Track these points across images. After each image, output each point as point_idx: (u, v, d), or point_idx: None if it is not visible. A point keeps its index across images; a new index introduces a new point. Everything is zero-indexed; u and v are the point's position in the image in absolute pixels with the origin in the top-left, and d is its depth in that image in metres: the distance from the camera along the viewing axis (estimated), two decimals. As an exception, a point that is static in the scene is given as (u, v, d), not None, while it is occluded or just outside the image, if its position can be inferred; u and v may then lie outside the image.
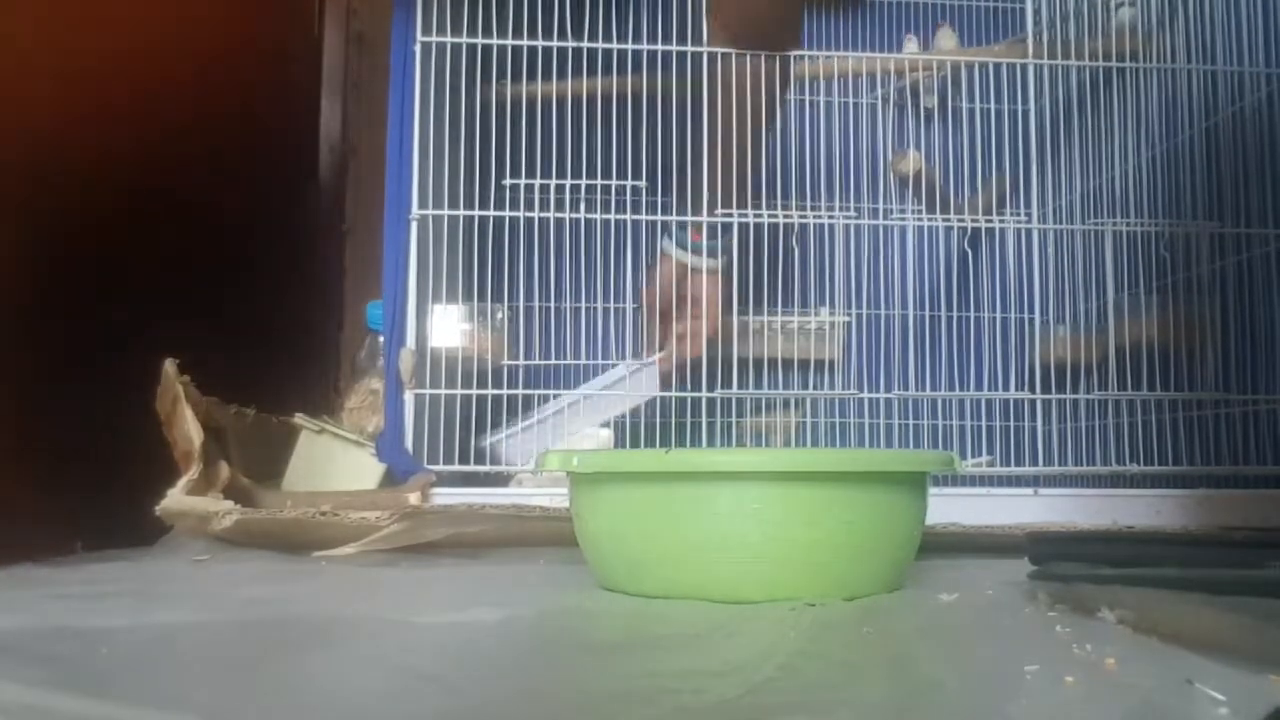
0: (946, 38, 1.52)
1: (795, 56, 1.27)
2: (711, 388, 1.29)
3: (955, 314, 1.49)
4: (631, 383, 1.20)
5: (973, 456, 1.20)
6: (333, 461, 1.20)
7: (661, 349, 1.25)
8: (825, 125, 1.46)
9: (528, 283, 1.40)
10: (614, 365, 1.22)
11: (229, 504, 0.99)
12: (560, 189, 1.22)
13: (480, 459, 1.19)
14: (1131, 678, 0.44)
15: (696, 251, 1.24)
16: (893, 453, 1.14)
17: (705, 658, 0.51)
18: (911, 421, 1.39)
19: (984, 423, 1.41)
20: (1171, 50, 1.31)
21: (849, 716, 0.40)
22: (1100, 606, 0.58)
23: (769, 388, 1.40)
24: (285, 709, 0.42)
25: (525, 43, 1.21)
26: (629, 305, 1.24)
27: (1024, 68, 1.54)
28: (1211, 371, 1.20)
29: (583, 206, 1.21)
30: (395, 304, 1.17)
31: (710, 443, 1.31)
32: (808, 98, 1.47)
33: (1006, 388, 1.29)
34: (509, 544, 0.97)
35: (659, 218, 1.26)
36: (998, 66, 1.52)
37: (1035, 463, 1.19)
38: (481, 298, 1.22)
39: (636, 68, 1.23)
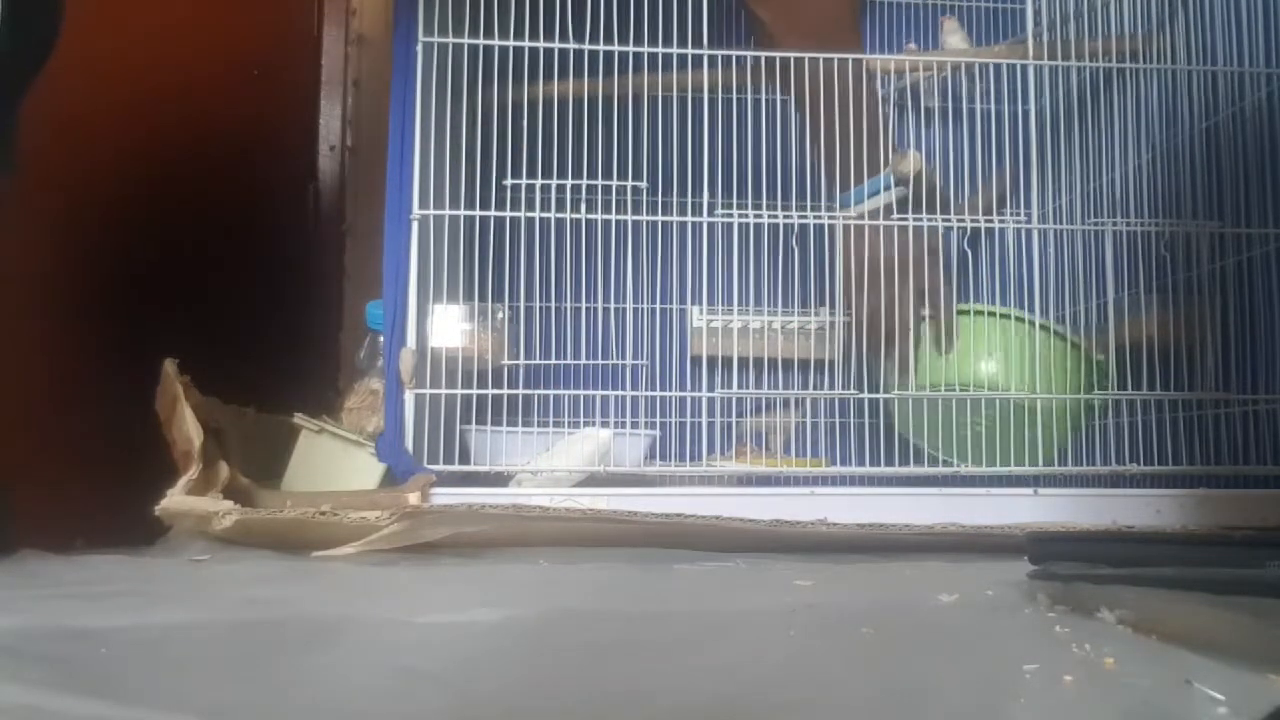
0: (953, 32, 1.51)
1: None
2: (711, 387, 1.29)
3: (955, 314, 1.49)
4: (615, 450, 1.15)
5: (972, 456, 1.20)
6: (333, 461, 1.20)
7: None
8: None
9: (528, 283, 1.40)
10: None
11: (229, 504, 0.99)
12: (560, 189, 1.22)
13: (480, 458, 1.20)
14: (1131, 677, 0.44)
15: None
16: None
17: (704, 657, 0.51)
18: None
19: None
20: (1171, 50, 1.31)
21: (848, 716, 0.40)
22: (1100, 606, 0.58)
23: (769, 388, 1.40)
24: (285, 709, 0.42)
25: (526, 43, 1.21)
26: (629, 305, 1.24)
27: (1024, 68, 1.54)
28: (1211, 371, 1.20)
29: (583, 206, 1.21)
30: (395, 304, 1.16)
31: (710, 442, 1.31)
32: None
33: (1007, 387, 1.29)
34: (509, 544, 0.97)
35: (659, 218, 1.26)
36: (998, 67, 1.52)
37: (1035, 463, 1.19)
38: (481, 298, 1.22)
39: (637, 68, 1.23)
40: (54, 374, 1.17)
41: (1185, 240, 1.24)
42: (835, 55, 1.26)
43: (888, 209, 1.24)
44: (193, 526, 1.01)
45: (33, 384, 1.14)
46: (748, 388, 1.39)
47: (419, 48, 1.19)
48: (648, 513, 0.97)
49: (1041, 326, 1.21)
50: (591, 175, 1.21)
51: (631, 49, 1.21)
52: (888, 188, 1.24)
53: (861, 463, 1.37)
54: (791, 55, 1.26)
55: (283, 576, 0.83)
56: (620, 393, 1.21)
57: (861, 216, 1.24)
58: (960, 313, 1.26)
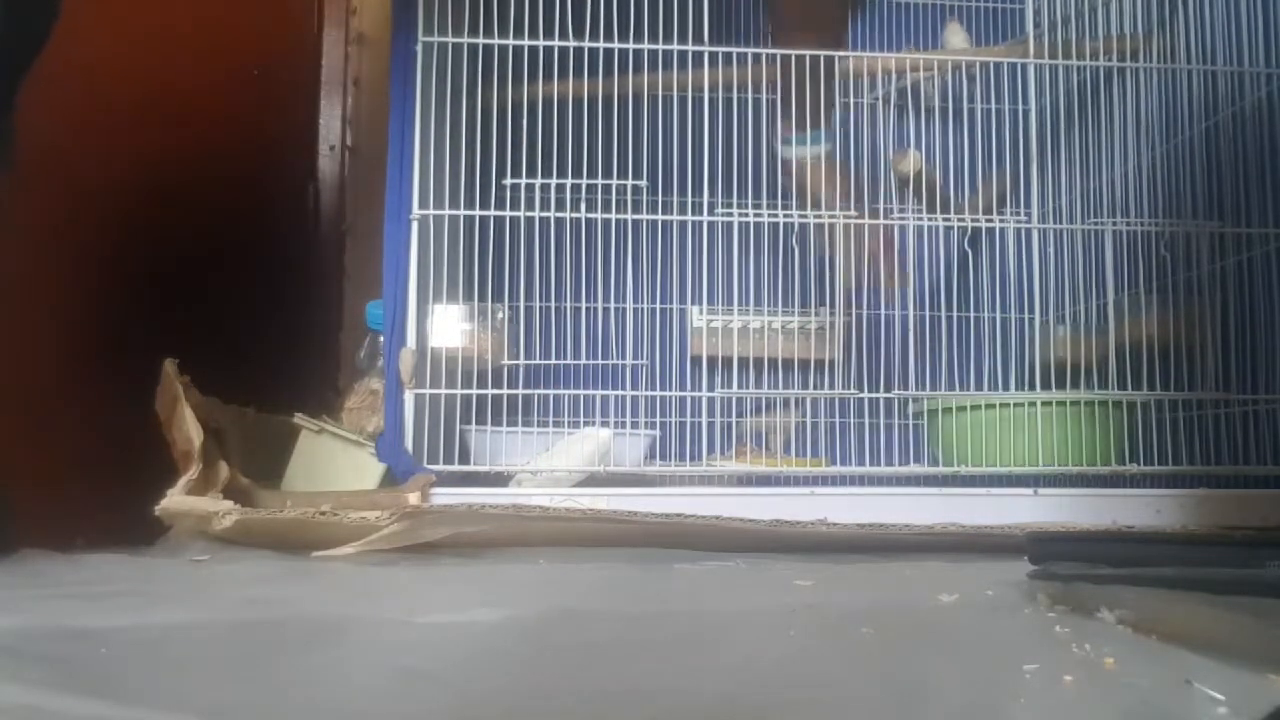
0: (955, 34, 1.51)
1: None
2: (711, 387, 1.29)
3: (955, 314, 1.49)
4: (615, 450, 1.15)
5: (972, 455, 1.20)
6: (333, 461, 1.20)
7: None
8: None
9: (528, 283, 1.40)
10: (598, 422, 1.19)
11: (229, 504, 0.99)
12: (560, 189, 1.22)
13: (480, 458, 1.20)
14: (1130, 677, 0.44)
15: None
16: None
17: (704, 657, 0.51)
18: (911, 422, 1.39)
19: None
20: (1171, 50, 1.31)
21: (848, 716, 0.40)
22: (1100, 606, 0.58)
23: (769, 388, 1.40)
24: (285, 709, 0.42)
25: (526, 43, 1.21)
26: (629, 305, 1.24)
27: (1024, 68, 1.54)
28: (1211, 371, 1.20)
29: (583, 206, 1.21)
30: (395, 304, 1.16)
31: (710, 442, 1.31)
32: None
33: (1006, 388, 1.29)
34: (509, 544, 0.97)
35: (659, 217, 1.26)
36: (998, 66, 1.52)
37: (1035, 463, 1.19)
38: (481, 298, 1.22)
39: (637, 67, 1.23)
40: (54, 374, 1.17)
41: (1185, 240, 1.24)
42: (836, 54, 1.26)
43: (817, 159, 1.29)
44: (193, 526, 1.01)
45: (33, 384, 1.13)
46: (748, 388, 1.39)
47: (419, 47, 1.19)
48: (648, 513, 0.97)
49: (1072, 403, 1.20)
50: (591, 175, 1.21)
51: (632, 46, 1.21)
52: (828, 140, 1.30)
53: (861, 463, 1.37)
54: (793, 53, 1.26)
55: (283, 576, 0.83)
56: (620, 393, 1.21)
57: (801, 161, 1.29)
58: (1001, 405, 1.23)
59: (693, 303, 1.45)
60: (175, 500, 1.00)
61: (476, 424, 1.22)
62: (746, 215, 1.23)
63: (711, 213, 1.24)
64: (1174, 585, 0.56)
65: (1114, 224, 1.26)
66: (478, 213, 1.21)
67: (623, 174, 1.20)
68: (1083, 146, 1.46)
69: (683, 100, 1.32)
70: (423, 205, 1.18)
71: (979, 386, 1.31)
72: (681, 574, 0.86)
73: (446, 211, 1.19)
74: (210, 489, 1.04)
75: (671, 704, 0.41)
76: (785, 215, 1.25)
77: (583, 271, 1.28)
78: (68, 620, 0.60)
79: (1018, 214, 1.53)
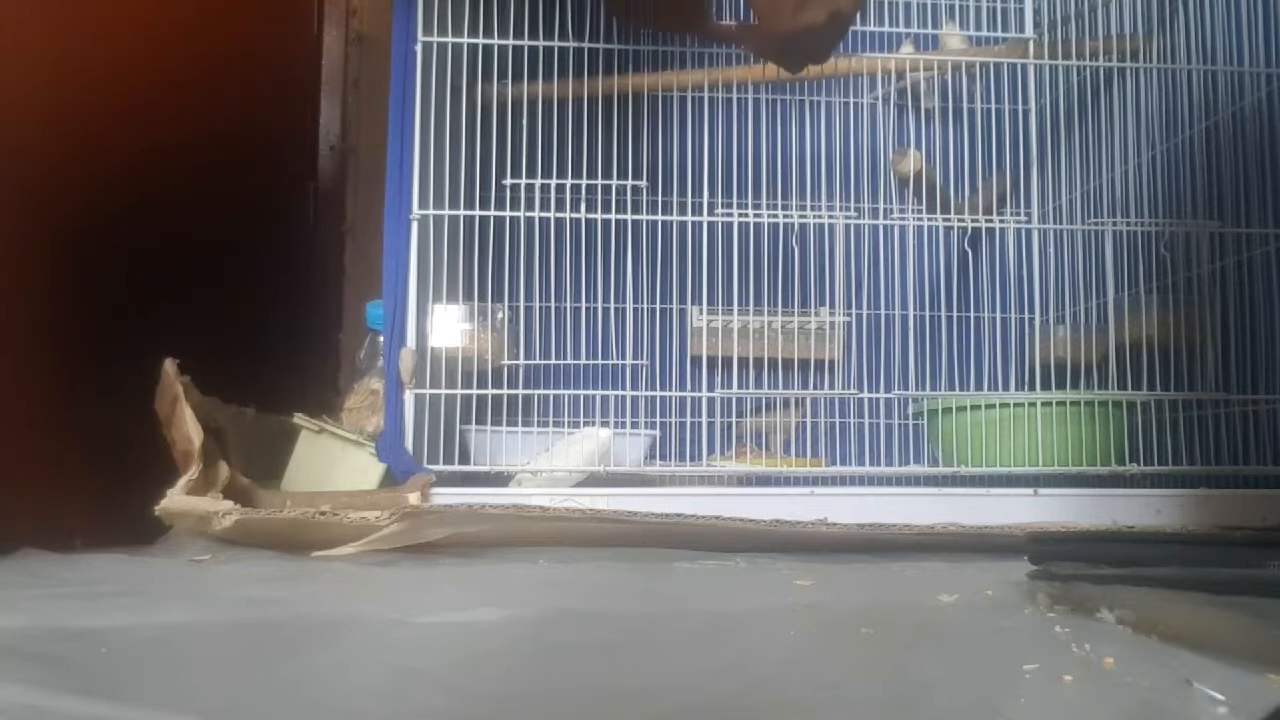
0: (951, 34, 1.51)
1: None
2: (711, 387, 1.29)
3: (955, 314, 1.49)
4: (615, 450, 1.15)
5: (972, 455, 1.20)
6: (333, 461, 1.20)
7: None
8: (825, 125, 1.46)
9: (528, 283, 1.40)
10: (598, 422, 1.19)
11: (229, 504, 0.99)
12: (560, 189, 1.22)
13: (480, 458, 1.20)
14: (1130, 677, 0.44)
15: None
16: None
17: (704, 657, 0.51)
18: (911, 422, 1.39)
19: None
20: (1171, 50, 1.31)
21: (847, 716, 0.40)
22: (1100, 606, 0.58)
23: (769, 388, 1.40)
24: (285, 709, 0.42)
25: (525, 43, 1.21)
26: (629, 305, 1.24)
27: (1024, 68, 1.54)
28: (1211, 371, 1.20)
29: (583, 206, 1.21)
30: (395, 304, 1.16)
31: (710, 442, 1.31)
32: (808, 98, 1.47)
33: (1006, 388, 1.29)
34: (509, 544, 0.97)
35: (659, 217, 1.26)
36: (998, 66, 1.52)
37: (1035, 463, 1.19)
38: (481, 298, 1.22)
39: (637, 68, 1.23)
40: (54, 373, 1.17)
41: (1185, 240, 1.24)
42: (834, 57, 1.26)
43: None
44: (193, 526, 1.01)
45: (33, 384, 1.13)
46: (748, 388, 1.39)
47: (418, 47, 1.19)
48: (648, 513, 0.97)
49: (1072, 403, 1.20)
50: (591, 175, 1.21)
51: (632, 46, 1.21)
52: None
53: (861, 463, 1.37)
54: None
55: (283, 576, 0.83)
56: (620, 393, 1.21)
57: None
58: (1001, 405, 1.22)
59: (693, 303, 1.45)
60: (175, 500, 1.00)
61: (476, 424, 1.22)
62: (746, 215, 1.24)
63: (711, 213, 1.24)
64: (1174, 585, 0.56)
65: (1114, 224, 1.26)
66: (478, 213, 1.21)
67: (623, 174, 1.20)
68: (1083, 146, 1.46)
69: (683, 100, 1.32)
70: (422, 205, 1.18)
71: (979, 386, 1.31)
72: (681, 574, 0.86)
73: (446, 211, 1.19)
74: (210, 489, 1.04)
75: (671, 704, 0.41)
76: (785, 215, 1.25)
77: (582, 271, 1.28)
78: (68, 620, 0.60)
79: (1018, 214, 1.53)
